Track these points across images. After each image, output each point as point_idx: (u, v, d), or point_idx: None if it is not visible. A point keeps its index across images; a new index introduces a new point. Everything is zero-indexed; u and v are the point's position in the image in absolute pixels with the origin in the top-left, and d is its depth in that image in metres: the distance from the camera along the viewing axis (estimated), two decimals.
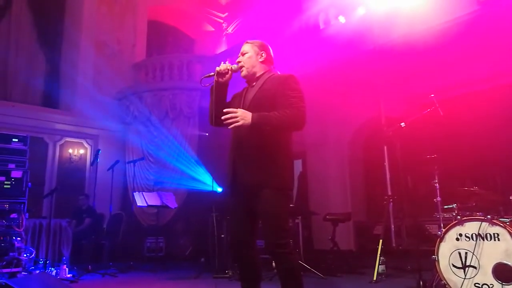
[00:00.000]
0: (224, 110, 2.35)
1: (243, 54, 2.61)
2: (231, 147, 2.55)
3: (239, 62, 2.59)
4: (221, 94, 2.58)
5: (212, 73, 2.55)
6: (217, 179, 6.08)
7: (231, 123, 2.31)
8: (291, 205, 5.97)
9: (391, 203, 5.37)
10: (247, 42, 2.66)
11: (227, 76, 2.56)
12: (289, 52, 6.98)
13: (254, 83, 2.58)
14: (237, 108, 2.41)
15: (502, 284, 2.77)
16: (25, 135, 5.71)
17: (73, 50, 9.40)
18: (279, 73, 2.62)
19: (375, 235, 6.69)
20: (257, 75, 2.58)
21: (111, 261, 6.27)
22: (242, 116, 2.30)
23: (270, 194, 2.35)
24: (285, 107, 2.37)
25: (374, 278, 4.39)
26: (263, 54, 2.60)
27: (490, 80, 6.14)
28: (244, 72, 2.58)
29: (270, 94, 2.46)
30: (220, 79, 2.55)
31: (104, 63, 9.32)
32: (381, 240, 4.70)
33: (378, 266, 4.50)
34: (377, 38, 6.09)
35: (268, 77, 2.55)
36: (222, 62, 2.60)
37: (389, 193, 5.82)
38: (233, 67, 2.57)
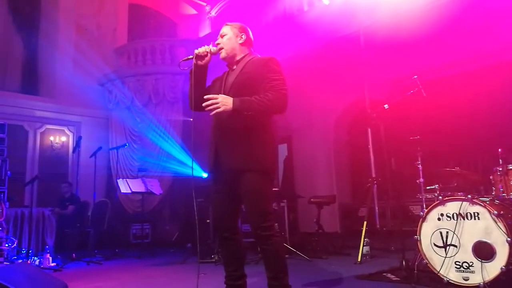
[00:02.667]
0: (205, 97, 2.31)
1: (222, 36, 2.55)
2: (212, 131, 2.52)
3: (218, 44, 2.54)
4: (200, 78, 2.54)
5: (191, 56, 2.49)
6: (201, 164, 6.05)
7: (212, 110, 2.28)
8: (276, 189, 6.00)
9: (375, 185, 5.41)
10: (226, 24, 2.61)
11: (207, 58, 2.51)
12: (273, 35, 6.89)
13: (235, 67, 2.54)
14: (218, 93, 2.39)
15: (481, 262, 2.83)
16: (3, 122, 5.57)
17: (51, 34, 9.10)
18: (259, 56, 2.57)
19: (359, 217, 6.78)
20: (237, 58, 2.54)
21: (97, 249, 6.23)
22: (223, 102, 2.27)
23: (253, 178, 2.34)
24: (267, 91, 2.35)
25: (359, 259, 4.45)
26: (243, 36, 2.55)
27: (473, 62, 6.18)
28: (223, 54, 2.53)
29: (251, 78, 2.42)
30: (199, 62, 2.50)
31: (84, 48, 9.07)
32: (365, 222, 4.76)
33: (362, 248, 4.56)
34: (361, 19, 6.05)
35: (248, 60, 2.51)
36: (206, 46, 2.54)
37: (373, 175, 5.87)
38: (212, 49, 2.52)
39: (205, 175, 6.25)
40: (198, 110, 2.46)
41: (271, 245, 2.34)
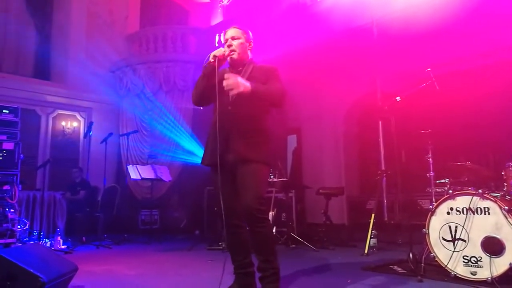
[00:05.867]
0: (226, 75, 2.43)
1: (233, 38, 2.67)
2: (216, 126, 2.53)
3: (230, 45, 2.65)
4: (212, 77, 2.59)
5: (212, 59, 2.55)
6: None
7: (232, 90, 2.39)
8: (284, 179, 6.03)
9: (385, 178, 5.39)
10: (235, 27, 2.73)
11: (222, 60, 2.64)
12: (286, 24, 6.83)
13: (240, 68, 2.68)
14: (226, 93, 2.52)
15: (490, 257, 2.82)
16: (16, 106, 5.62)
17: (64, 20, 9.16)
18: (258, 64, 2.75)
19: (367, 209, 6.73)
20: (245, 62, 2.70)
21: (106, 234, 6.32)
22: (243, 84, 2.40)
23: (257, 166, 2.51)
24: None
25: (366, 251, 4.46)
26: (251, 44, 2.76)
27: (488, 56, 6.06)
28: (235, 56, 2.65)
29: (259, 82, 2.57)
30: (217, 64, 2.57)
31: (96, 35, 9.11)
32: (373, 214, 4.75)
33: (369, 240, 4.56)
34: (375, 11, 5.96)
35: (253, 66, 2.70)
36: (221, 48, 2.64)
37: (383, 168, 5.84)
38: (226, 51, 2.60)
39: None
40: (200, 106, 2.72)
41: (265, 228, 2.48)
